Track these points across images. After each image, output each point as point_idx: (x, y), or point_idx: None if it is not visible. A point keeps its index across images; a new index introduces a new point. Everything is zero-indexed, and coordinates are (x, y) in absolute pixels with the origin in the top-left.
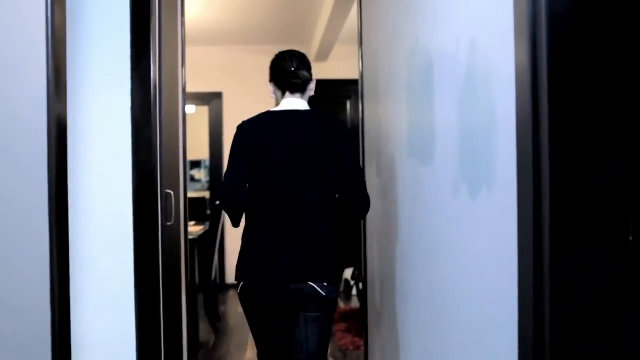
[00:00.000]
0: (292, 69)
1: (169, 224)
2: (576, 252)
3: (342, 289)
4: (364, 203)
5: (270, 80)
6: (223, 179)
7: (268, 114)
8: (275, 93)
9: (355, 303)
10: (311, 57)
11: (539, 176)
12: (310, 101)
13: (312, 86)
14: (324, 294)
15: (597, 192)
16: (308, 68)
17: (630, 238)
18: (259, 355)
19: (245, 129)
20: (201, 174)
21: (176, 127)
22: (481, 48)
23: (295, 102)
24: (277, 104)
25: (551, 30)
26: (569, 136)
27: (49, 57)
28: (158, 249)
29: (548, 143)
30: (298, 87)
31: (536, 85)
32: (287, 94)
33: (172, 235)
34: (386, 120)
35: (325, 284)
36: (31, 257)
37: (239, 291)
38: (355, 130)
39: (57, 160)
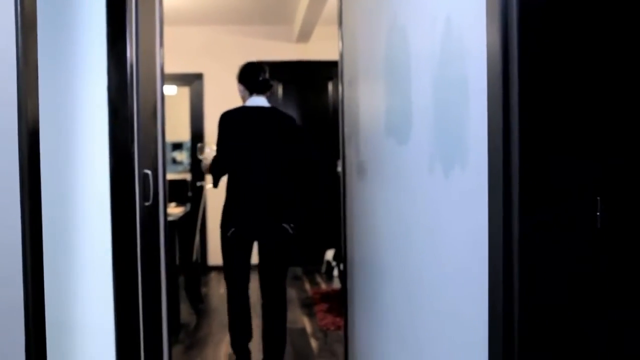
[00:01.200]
0: (262, 78)
1: (147, 204)
2: (544, 227)
3: (323, 270)
4: (316, 174)
5: (241, 82)
6: (216, 154)
7: (242, 109)
8: (243, 92)
9: (336, 284)
10: (292, 38)
11: (509, 155)
12: (292, 83)
13: (272, 90)
14: (288, 229)
15: (565, 171)
16: (270, 77)
17: (598, 213)
18: (229, 278)
19: (227, 120)
20: (182, 156)
21: (154, 108)
22: (455, 27)
23: (260, 101)
24: (244, 101)
25: (521, 10)
26: (538, 116)
27: (18, 37)
28: (136, 228)
29: (518, 123)
30: (264, 91)
31: (506, 65)
32: (254, 94)
33: (150, 216)
34: (365, 100)
35: (284, 224)
36: (1, 239)
37: (229, 233)
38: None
39: (29, 142)
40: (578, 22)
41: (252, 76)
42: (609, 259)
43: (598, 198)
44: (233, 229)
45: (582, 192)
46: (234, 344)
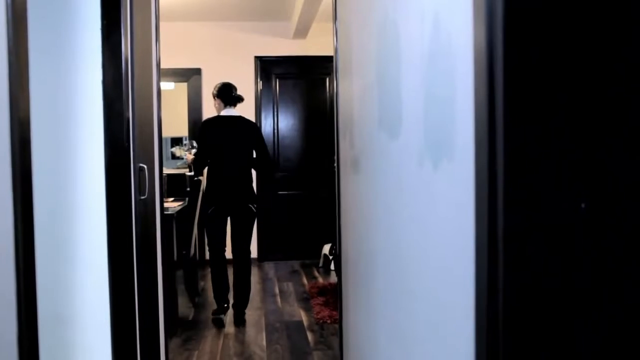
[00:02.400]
0: (234, 94)
1: (142, 197)
2: (528, 216)
3: (321, 263)
4: (271, 164)
5: (217, 97)
6: (197, 151)
7: (219, 117)
8: (219, 104)
9: (333, 278)
10: (290, 33)
11: (494, 148)
12: (289, 79)
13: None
14: (252, 209)
15: (549, 162)
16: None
17: (583, 205)
18: (211, 245)
19: (208, 125)
20: (181, 151)
21: (150, 102)
22: (444, 23)
23: (232, 111)
24: (219, 111)
25: (507, 9)
26: (521, 111)
27: (8, 31)
28: (131, 222)
29: (502, 118)
30: (235, 104)
31: (492, 62)
32: (228, 106)
33: (146, 209)
34: (358, 95)
35: (250, 205)
36: None
37: (210, 211)
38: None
39: (20, 136)
40: (563, 21)
41: (227, 93)
42: (593, 246)
43: (582, 186)
44: (213, 207)
45: (565, 183)
46: (216, 296)
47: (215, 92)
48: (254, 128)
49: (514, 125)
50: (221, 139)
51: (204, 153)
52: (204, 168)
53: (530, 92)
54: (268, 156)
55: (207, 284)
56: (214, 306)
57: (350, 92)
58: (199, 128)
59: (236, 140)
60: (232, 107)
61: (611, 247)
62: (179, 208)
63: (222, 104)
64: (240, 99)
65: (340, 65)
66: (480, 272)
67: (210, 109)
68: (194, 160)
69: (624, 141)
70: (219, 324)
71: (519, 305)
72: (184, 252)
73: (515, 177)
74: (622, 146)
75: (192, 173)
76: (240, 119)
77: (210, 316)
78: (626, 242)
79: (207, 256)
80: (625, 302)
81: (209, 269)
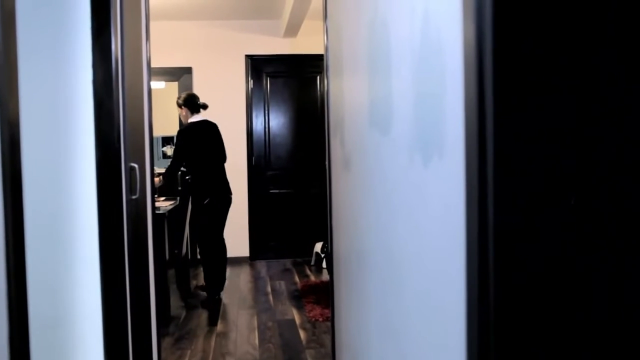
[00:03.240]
0: (200, 102)
1: (134, 197)
2: (518, 216)
3: (312, 262)
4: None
5: (183, 106)
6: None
7: (196, 123)
8: (187, 113)
9: (325, 276)
10: (280, 32)
11: (484, 144)
12: (280, 77)
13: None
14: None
15: (538, 156)
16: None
17: (572, 202)
18: (211, 232)
19: (190, 132)
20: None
21: (141, 101)
22: (434, 19)
23: (200, 117)
24: (186, 119)
25: (496, 6)
26: (510, 107)
27: None
28: (123, 221)
29: (492, 114)
30: (202, 110)
31: (481, 59)
32: (196, 113)
33: (137, 209)
34: (349, 93)
35: (230, 195)
36: None
37: (205, 202)
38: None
39: (9, 135)
40: (552, 16)
41: (196, 102)
42: (584, 242)
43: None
44: (208, 199)
45: (555, 179)
46: (220, 282)
47: (181, 102)
48: (218, 129)
49: (503, 121)
50: (204, 141)
51: (181, 159)
52: (176, 174)
53: (519, 87)
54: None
55: (199, 283)
56: (205, 305)
57: (341, 90)
58: (182, 137)
59: (213, 140)
60: (201, 113)
61: (602, 243)
62: (171, 207)
63: (189, 112)
64: (205, 106)
65: (331, 63)
66: (471, 269)
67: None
68: (170, 170)
69: (614, 137)
70: (217, 304)
71: (510, 301)
72: (175, 251)
73: (505, 173)
74: (613, 141)
75: (165, 178)
76: (209, 123)
77: (204, 310)
78: (616, 238)
79: (198, 254)
80: (618, 298)
81: (204, 263)
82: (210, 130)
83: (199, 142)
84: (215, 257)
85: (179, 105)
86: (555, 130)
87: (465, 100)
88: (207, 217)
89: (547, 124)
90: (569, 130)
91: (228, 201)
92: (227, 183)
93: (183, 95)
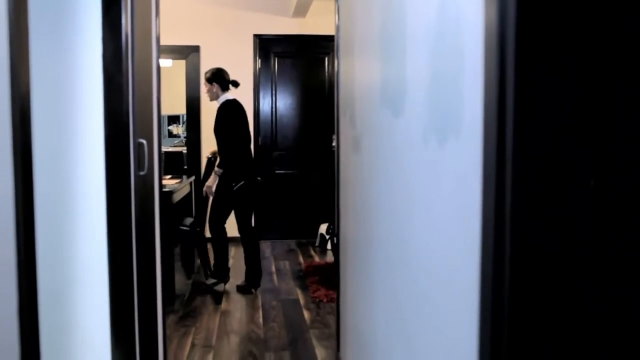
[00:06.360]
0: (231, 79)
1: (142, 173)
2: (536, 198)
3: (317, 243)
4: None
5: (214, 82)
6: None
7: (233, 100)
8: (218, 89)
9: (330, 257)
10: (289, 12)
11: (503, 125)
12: (288, 58)
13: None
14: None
15: (557, 140)
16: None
17: (592, 182)
18: (249, 222)
19: (234, 108)
20: (179, 129)
21: (150, 77)
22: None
23: (233, 94)
24: (216, 97)
25: None
26: (532, 88)
27: (9, 4)
28: (130, 197)
29: (513, 96)
30: (233, 88)
31: (503, 39)
32: (226, 91)
33: (145, 185)
34: (360, 73)
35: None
36: None
37: (239, 185)
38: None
39: (21, 109)
40: None
41: (227, 78)
42: (601, 224)
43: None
44: (242, 182)
45: (575, 161)
46: (225, 268)
47: (210, 76)
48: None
49: (525, 103)
50: (240, 121)
51: (233, 135)
52: (234, 153)
53: (542, 68)
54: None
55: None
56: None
57: (352, 69)
58: (225, 113)
59: (246, 120)
60: (227, 91)
61: (620, 227)
62: (177, 186)
63: (219, 89)
64: (235, 84)
65: (342, 42)
66: (486, 252)
67: None
68: (228, 151)
69: (637, 119)
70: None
71: (526, 286)
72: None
73: (524, 155)
74: (637, 126)
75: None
76: (239, 102)
77: (208, 296)
78: (635, 221)
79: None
80: (633, 286)
81: (216, 249)
82: (243, 110)
83: (237, 121)
84: (257, 251)
85: (209, 81)
86: (577, 112)
87: (485, 81)
88: (244, 201)
89: (570, 106)
90: (592, 113)
91: (255, 186)
92: (255, 166)
93: (212, 70)
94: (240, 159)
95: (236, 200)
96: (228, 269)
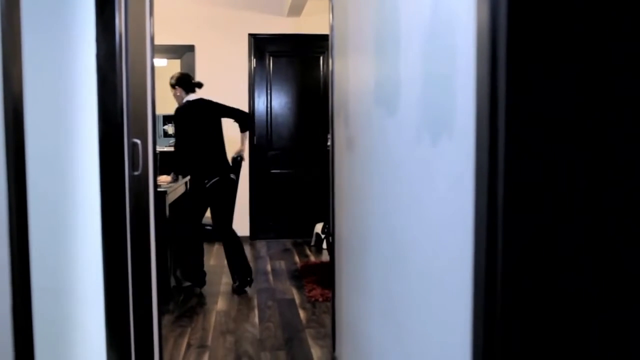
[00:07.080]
0: (194, 82)
1: (136, 173)
2: (529, 197)
3: (313, 242)
4: (247, 114)
5: (177, 87)
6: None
7: (193, 102)
8: (181, 92)
9: (325, 256)
10: (284, 11)
11: (495, 123)
12: (283, 57)
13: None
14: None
15: (552, 141)
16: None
17: (584, 185)
18: (228, 220)
19: (186, 111)
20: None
21: (144, 77)
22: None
23: (195, 96)
24: (180, 100)
25: None
26: (524, 87)
27: (2, 6)
28: (125, 197)
29: (504, 94)
30: (198, 89)
31: (495, 38)
32: (191, 93)
33: (139, 185)
34: (355, 73)
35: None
36: None
37: (212, 182)
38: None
39: (13, 110)
40: None
41: (191, 81)
42: (593, 225)
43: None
44: (217, 178)
45: (567, 161)
46: (201, 271)
47: (174, 82)
48: (214, 104)
49: (516, 102)
50: (204, 119)
51: (186, 138)
52: (186, 155)
53: (534, 68)
54: (239, 110)
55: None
56: (207, 284)
57: (346, 69)
58: (180, 115)
59: (211, 118)
60: (192, 93)
61: (617, 226)
62: (171, 185)
63: (183, 92)
64: (199, 85)
65: (336, 42)
66: (479, 250)
67: (204, 87)
68: (179, 152)
69: (632, 119)
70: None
71: (519, 284)
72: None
73: (517, 154)
74: (631, 124)
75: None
76: (204, 100)
77: (203, 295)
78: (626, 225)
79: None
80: (629, 285)
81: (187, 250)
82: (207, 108)
83: (195, 121)
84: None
85: (172, 86)
86: (569, 112)
87: (477, 81)
88: (227, 197)
89: (562, 106)
90: (584, 112)
91: (230, 183)
92: (228, 163)
93: (175, 75)
94: (208, 156)
95: (210, 197)
96: (204, 273)
